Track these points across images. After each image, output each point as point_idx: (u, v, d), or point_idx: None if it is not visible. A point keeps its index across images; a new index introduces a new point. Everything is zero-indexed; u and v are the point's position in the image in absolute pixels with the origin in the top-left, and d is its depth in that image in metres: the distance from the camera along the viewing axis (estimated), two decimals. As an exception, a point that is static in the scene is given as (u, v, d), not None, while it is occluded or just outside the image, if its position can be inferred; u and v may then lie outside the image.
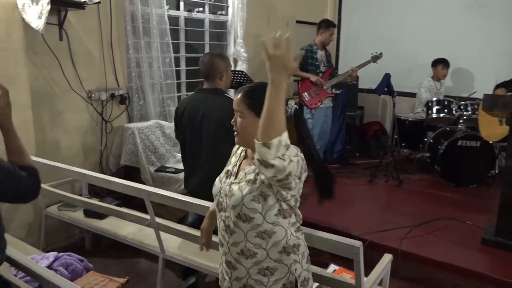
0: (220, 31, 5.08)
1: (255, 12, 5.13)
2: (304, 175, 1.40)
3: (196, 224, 2.70)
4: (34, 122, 3.11)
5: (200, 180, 2.50)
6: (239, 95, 1.47)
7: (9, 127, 1.49)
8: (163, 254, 2.57)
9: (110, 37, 3.63)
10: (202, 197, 2.16)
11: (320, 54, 4.67)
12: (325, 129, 4.89)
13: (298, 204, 1.47)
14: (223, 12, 4.98)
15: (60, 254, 2.26)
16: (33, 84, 3.13)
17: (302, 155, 1.38)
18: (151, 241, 2.67)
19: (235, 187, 1.44)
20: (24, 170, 1.45)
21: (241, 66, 4.87)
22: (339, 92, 5.24)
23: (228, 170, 1.56)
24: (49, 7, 2.79)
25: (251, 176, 1.42)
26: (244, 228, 1.42)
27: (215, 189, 1.56)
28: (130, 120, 3.93)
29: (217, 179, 1.58)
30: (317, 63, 4.63)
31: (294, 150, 1.33)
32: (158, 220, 2.46)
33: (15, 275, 1.96)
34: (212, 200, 1.64)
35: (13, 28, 2.90)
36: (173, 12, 4.35)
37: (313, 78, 4.54)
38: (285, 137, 1.23)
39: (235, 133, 1.48)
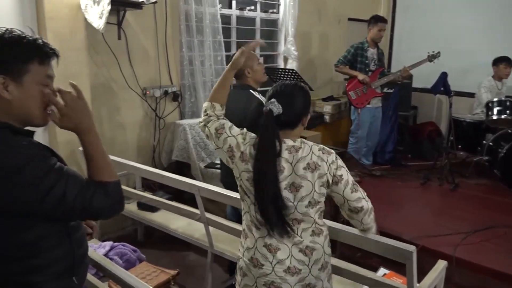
0: (271, 29, 5.09)
1: (306, 9, 5.10)
2: None
3: (233, 216, 2.75)
4: (94, 117, 3.27)
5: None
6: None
7: (84, 138, 1.22)
8: (212, 249, 2.61)
9: (165, 36, 3.74)
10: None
11: (371, 52, 4.52)
12: (374, 129, 4.74)
13: None
14: (275, 10, 4.98)
15: (116, 243, 2.37)
16: (93, 81, 3.29)
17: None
18: (201, 235, 2.73)
19: None
20: (103, 187, 1.18)
21: (292, 64, 4.86)
22: (391, 91, 5.08)
23: None
24: (109, 7, 2.91)
25: None
26: None
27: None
28: (182, 116, 4.03)
29: None
30: (366, 62, 4.50)
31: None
32: (207, 215, 2.51)
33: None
34: None
35: (77, 28, 3.06)
36: (226, 11, 4.42)
37: (360, 76, 4.41)
38: None
39: None
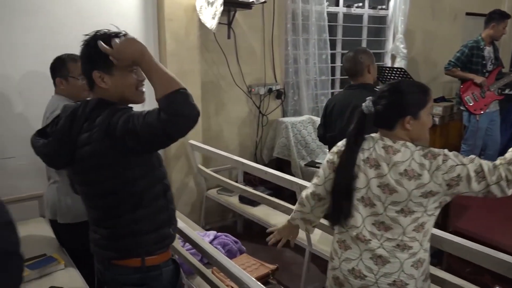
0: (378, 26, 4.90)
1: (418, 4, 4.81)
2: None
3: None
4: (202, 112, 3.45)
5: None
6: None
7: (141, 65, 1.30)
8: (310, 248, 2.61)
9: (272, 35, 3.82)
10: None
11: (488, 50, 4.06)
12: (494, 137, 4.25)
13: None
14: (384, 7, 4.79)
15: (219, 234, 2.49)
16: (203, 78, 3.49)
17: None
18: (300, 233, 2.73)
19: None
20: (166, 101, 1.22)
21: (400, 63, 4.63)
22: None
23: None
24: (222, 8, 3.06)
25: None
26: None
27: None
28: (285, 114, 4.08)
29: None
30: (483, 62, 4.03)
31: None
32: (307, 213, 2.50)
33: (182, 246, 2.23)
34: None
35: (192, 29, 3.27)
36: (332, 9, 4.36)
37: (478, 79, 3.96)
38: None
39: None
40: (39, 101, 2.42)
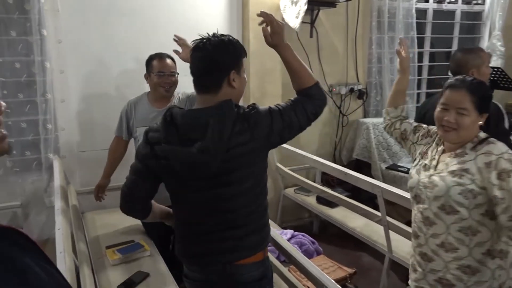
0: (472, 22, 4.56)
1: (520, -1, 4.39)
2: None
3: None
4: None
5: None
6: (464, 91, 1.45)
7: (286, 53, 1.51)
8: (390, 254, 2.51)
9: (355, 33, 3.73)
10: None
11: None
12: None
13: None
14: (479, 1, 4.44)
15: (296, 233, 2.48)
16: (284, 77, 3.49)
17: None
18: (379, 238, 2.64)
19: (436, 178, 1.47)
20: (307, 93, 1.49)
21: (496, 62, 4.26)
22: None
23: (425, 164, 1.56)
24: (306, 7, 3.04)
25: (454, 167, 1.44)
26: (447, 220, 1.44)
27: (411, 181, 1.59)
28: (366, 115, 3.97)
29: (413, 171, 1.61)
30: None
31: None
32: (388, 218, 2.41)
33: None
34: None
35: (274, 28, 3.30)
36: (422, 5, 4.14)
37: None
38: None
39: (446, 128, 1.47)
40: (129, 97, 2.60)
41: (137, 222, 2.65)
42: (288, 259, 1.75)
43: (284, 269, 1.97)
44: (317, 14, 3.50)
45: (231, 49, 1.38)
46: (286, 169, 3.38)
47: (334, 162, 3.87)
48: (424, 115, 2.45)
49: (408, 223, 3.10)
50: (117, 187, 3.00)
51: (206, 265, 1.45)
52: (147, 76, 2.39)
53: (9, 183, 2.75)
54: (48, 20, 2.66)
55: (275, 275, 2.20)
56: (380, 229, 2.53)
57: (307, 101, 1.48)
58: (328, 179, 3.70)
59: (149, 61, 2.38)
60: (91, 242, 2.46)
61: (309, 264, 1.58)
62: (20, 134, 2.74)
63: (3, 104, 0.73)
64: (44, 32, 2.65)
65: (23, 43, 2.65)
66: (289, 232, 2.47)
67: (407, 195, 2.21)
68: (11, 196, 2.78)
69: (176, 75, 2.37)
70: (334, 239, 3.46)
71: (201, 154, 1.30)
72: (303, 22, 3.24)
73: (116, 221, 2.77)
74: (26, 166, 2.80)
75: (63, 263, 1.48)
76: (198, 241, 1.45)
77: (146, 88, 2.47)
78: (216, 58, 1.37)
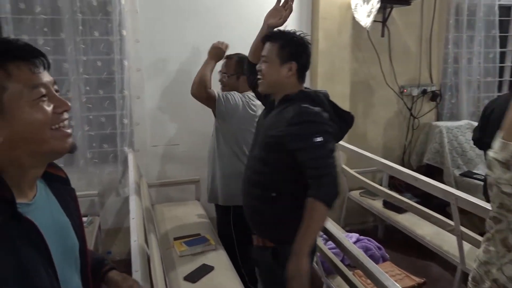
0: None
1: None
2: None
3: None
4: (350, 111, 3.41)
5: None
6: None
7: None
8: (463, 266, 2.37)
9: (430, 32, 3.56)
10: None
11: None
12: None
13: None
14: None
15: (361, 237, 2.42)
16: (353, 77, 3.42)
17: None
18: (450, 248, 2.51)
19: None
20: None
21: None
22: None
23: None
24: (378, 5, 2.96)
25: None
26: None
27: None
28: (439, 118, 3.77)
29: None
30: None
31: None
32: (462, 228, 2.28)
33: (324, 244, 2.23)
34: None
35: (344, 27, 3.24)
36: (506, 2, 3.85)
37: None
38: None
39: None
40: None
41: (204, 216, 2.73)
42: (354, 263, 1.71)
43: (349, 273, 1.93)
44: (390, 12, 3.38)
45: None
46: (351, 171, 3.31)
47: (403, 165, 3.72)
48: (489, 116, 2.30)
49: (482, 234, 2.92)
50: (183, 181, 3.14)
51: None
52: (239, 77, 2.40)
53: (88, 173, 2.95)
54: (128, 21, 2.82)
55: (338, 279, 2.16)
56: (451, 238, 2.40)
57: None
58: (396, 184, 3.56)
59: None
60: (160, 233, 2.57)
61: (377, 270, 1.53)
62: (99, 128, 2.93)
63: (69, 105, 0.81)
64: (124, 32, 2.80)
65: (104, 43, 2.83)
66: (355, 236, 2.41)
67: (485, 204, 2.08)
68: (89, 185, 2.98)
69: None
70: (400, 246, 3.32)
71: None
72: (374, 20, 3.15)
73: (183, 214, 2.88)
74: (103, 158, 2.99)
75: (137, 251, 1.56)
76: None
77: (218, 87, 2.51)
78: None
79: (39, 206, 0.81)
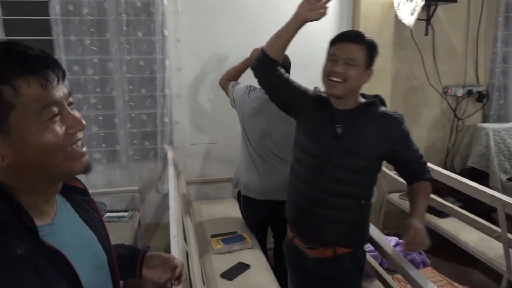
0: None
1: None
2: None
3: None
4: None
5: None
6: None
7: None
8: (509, 275, 2.26)
9: (477, 31, 3.41)
10: None
11: None
12: None
13: None
14: None
15: (401, 240, 2.35)
16: (394, 77, 3.34)
17: None
18: (496, 256, 2.40)
19: None
20: None
21: None
22: None
23: None
24: (422, 3, 2.87)
25: None
26: None
27: None
28: (485, 120, 3.61)
29: None
30: None
31: None
32: (510, 235, 2.17)
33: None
34: None
35: (386, 26, 3.17)
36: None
37: None
38: None
39: None
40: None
41: (239, 214, 2.75)
42: (393, 267, 1.67)
43: (387, 277, 1.88)
44: (435, 10, 3.27)
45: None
46: (391, 173, 3.22)
47: (445, 168, 3.60)
48: None
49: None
50: (220, 179, 3.17)
51: None
52: None
53: (129, 169, 3.04)
54: (169, 21, 2.88)
55: (377, 282, 2.12)
56: (498, 245, 2.30)
57: None
58: (438, 187, 3.44)
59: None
60: (197, 230, 2.61)
61: (418, 275, 1.49)
62: (141, 126, 3.01)
63: (83, 124, 0.72)
64: (166, 33, 2.87)
65: (147, 43, 2.90)
66: (394, 239, 2.35)
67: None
68: (131, 181, 3.07)
69: None
70: (441, 252, 3.20)
71: None
72: (418, 19, 3.06)
73: (219, 212, 2.91)
74: (144, 155, 3.07)
75: (176, 247, 1.59)
76: None
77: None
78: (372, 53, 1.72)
79: (61, 225, 0.75)
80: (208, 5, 2.95)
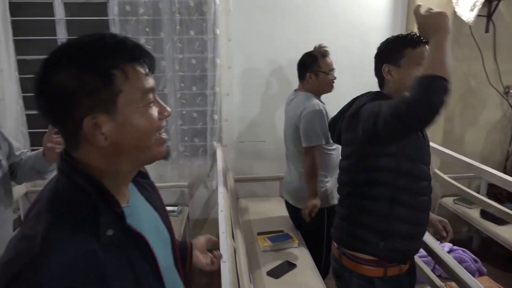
0: None
1: None
2: None
3: None
4: (445, 112, 3.19)
5: None
6: None
7: (433, 41, 1.26)
8: None
9: (544, 26, 3.20)
10: None
11: None
12: None
13: None
14: None
15: (455, 247, 2.26)
16: (451, 76, 3.18)
17: None
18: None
19: None
20: (412, 89, 1.19)
21: None
22: None
23: None
24: (483, -1, 2.73)
25: None
26: None
27: None
28: (550, 122, 3.39)
29: None
30: None
31: None
32: None
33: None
34: None
35: (443, 22, 3.03)
36: None
37: None
38: None
39: None
40: (285, 94, 2.69)
41: (286, 213, 2.75)
42: (448, 274, 1.60)
43: (441, 284, 1.81)
44: (497, 5, 3.09)
45: (383, 44, 1.52)
46: (445, 176, 3.10)
47: (505, 173, 3.40)
48: None
49: None
50: (268, 177, 3.18)
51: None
52: (311, 75, 2.33)
53: (180, 165, 3.12)
54: (221, 20, 2.92)
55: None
56: None
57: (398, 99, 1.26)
58: (496, 192, 3.27)
59: (313, 60, 2.32)
60: (244, 227, 2.63)
61: (475, 283, 1.42)
62: (191, 123, 3.08)
63: (169, 110, 0.79)
64: (217, 31, 2.91)
65: (199, 42, 2.96)
66: (447, 246, 2.26)
67: None
68: (180, 177, 3.16)
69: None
70: (498, 260, 3.05)
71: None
72: (478, 15, 2.91)
73: (266, 210, 2.92)
74: (194, 151, 3.14)
75: (225, 243, 1.61)
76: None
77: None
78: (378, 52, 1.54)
79: (135, 208, 0.80)
80: (259, 4, 2.96)
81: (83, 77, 0.67)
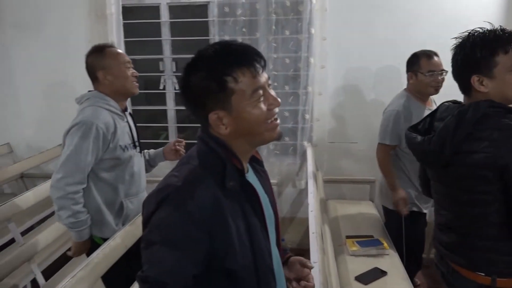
0: None
1: None
2: None
3: None
4: None
5: None
6: None
7: None
8: None
9: None
10: None
11: None
12: None
13: None
14: None
15: None
16: None
17: None
18: None
19: None
20: None
21: None
22: None
23: None
24: None
25: None
26: None
27: None
28: None
29: None
30: None
31: None
32: None
33: None
34: None
35: None
36: None
37: None
38: None
39: None
40: (386, 93, 2.60)
41: (376, 218, 2.66)
42: None
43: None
44: None
45: (467, 51, 1.31)
46: None
47: None
48: None
49: None
50: (358, 180, 3.10)
51: (440, 253, 1.52)
52: (412, 76, 2.27)
53: (269, 163, 3.17)
54: (316, 19, 2.89)
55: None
56: None
57: None
58: None
59: (415, 60, 2.25)
60: (332, 229, 2.59)
61: None
62: (282, 122, 3.10)
63: (279, 101, 0.93)
64: (312, 31, 2.90)
65: (293, 41, 2.98)
66: None
67: None
68: (270, 175, 3.15)
69: (445, 73, 2.20)
70: None
71: (422, 144, 1.42)
72: None
73: (356, 213, 2.85)
74: (284, 150, 3.17)
75: (315, 243, 1.60)
76: (439, 228, 1.53)
77: (402, 86, 2.40)
78: (460, 59, 1.34)
79: (251, 179, 0.98)
80: (356, 2, 2.89)
81: (206, 82, 0.88)
